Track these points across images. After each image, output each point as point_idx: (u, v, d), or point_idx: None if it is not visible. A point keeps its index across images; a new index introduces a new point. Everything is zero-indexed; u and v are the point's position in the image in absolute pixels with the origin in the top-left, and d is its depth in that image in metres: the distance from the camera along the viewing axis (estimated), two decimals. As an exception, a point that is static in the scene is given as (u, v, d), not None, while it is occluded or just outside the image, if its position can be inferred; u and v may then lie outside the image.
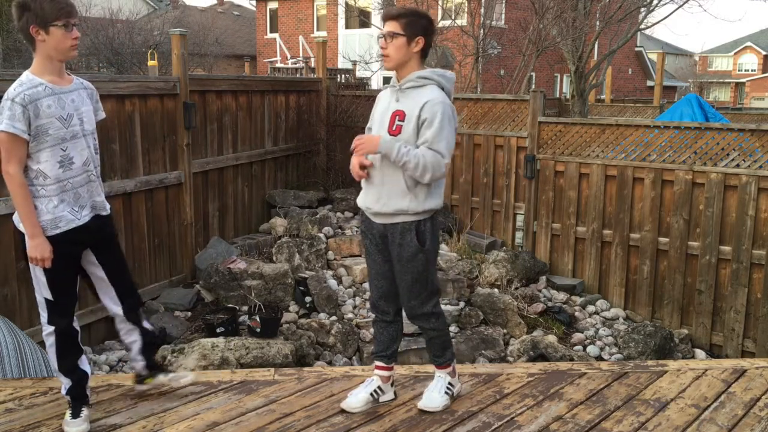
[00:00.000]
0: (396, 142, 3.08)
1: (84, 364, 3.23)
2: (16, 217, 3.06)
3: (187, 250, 7.00)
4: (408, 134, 3.09)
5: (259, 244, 7.60)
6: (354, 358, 5.91)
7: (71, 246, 3.03)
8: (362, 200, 3.29)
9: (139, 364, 3.43)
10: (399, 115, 3.13)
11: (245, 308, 6.22)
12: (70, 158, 2.98)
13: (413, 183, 3.11)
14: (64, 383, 3.19)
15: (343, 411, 3.39)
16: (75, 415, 3.15)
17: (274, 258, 7.08)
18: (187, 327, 5.96)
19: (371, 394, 3.44)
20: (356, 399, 3.42)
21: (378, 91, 13.65)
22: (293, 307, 6.45)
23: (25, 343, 4.30)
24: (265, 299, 6.20)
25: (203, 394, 3.54)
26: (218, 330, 5.65)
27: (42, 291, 3.06)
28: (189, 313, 6.27)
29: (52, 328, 3.10)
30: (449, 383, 3.48)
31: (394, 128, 3.13)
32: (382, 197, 3.16)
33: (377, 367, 3.47)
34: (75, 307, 3.20)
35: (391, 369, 3.48)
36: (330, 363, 5.69)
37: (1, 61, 17.24)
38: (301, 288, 6.65)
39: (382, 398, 3.47)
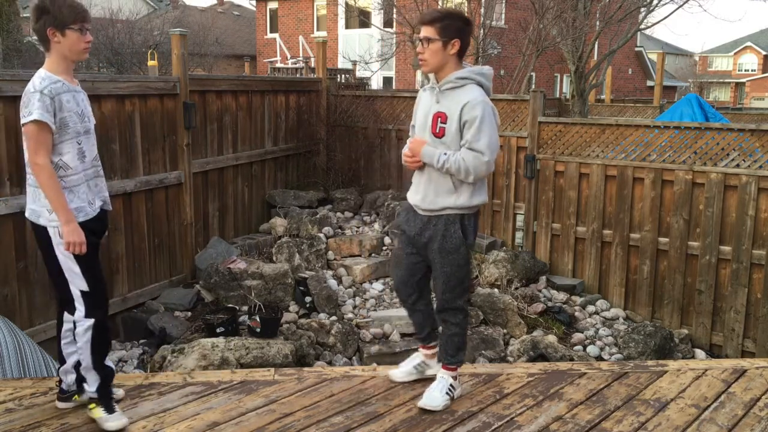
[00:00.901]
0: (436, 150, 3.21)
1: (109, 360, 3.23)
2: (32, 213, 3.05)
3: (187, 250, 7.00)
4: (451, 136, 3.20)
5: (259, 244, 7.60)
6: (354, 358, 5.90)
7: (91, 236, 3.07)
8: (411, 196, 3.42)
9: (71, 377, 3.26)
10: (441, 117, 3.22)
11: (245, 308, 6.22)
12: (83, 152, 3.09)
13: (459, 182, 3.24)
14: (92, 381, 3.15)
15: (342, 411, 3.39)
16: (110, 410, 3.14)
17: (274, 258, 7.08)
18: (187, 327, 5.96)
19: (415, 367, 3.68)
20: (400, 370, 3.71)
21: (379, 90, 13.67)
22: (293, 307, 6.45)
23: (25, 343, 4.30)
24: (265, 299, 6.20)
25: (203, 394, 3.54)
26: (218, 330, 5.65)
27: (77, 283, 3.06)
28: (189, 313, 6.27)
29: (91, 321, 3.08)
30: (451, 385, 3.50)
31: (437, 130, 3.23)
32: (429, 195, 3.30)
33: (420, 347, 3.70)
34: (107, 298, 3.23)
35: (430, 348, 3.65)
36: (330, 363, 5.69)
37: (1, 61, 17.22)
38: (301, 288, 6.65)
39: (429, 372, 3.66)
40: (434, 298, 3.54)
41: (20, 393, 3.53)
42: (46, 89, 2.92)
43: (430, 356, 3.66)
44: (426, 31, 3.17)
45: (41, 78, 2.98)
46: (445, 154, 3.18)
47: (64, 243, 2.96)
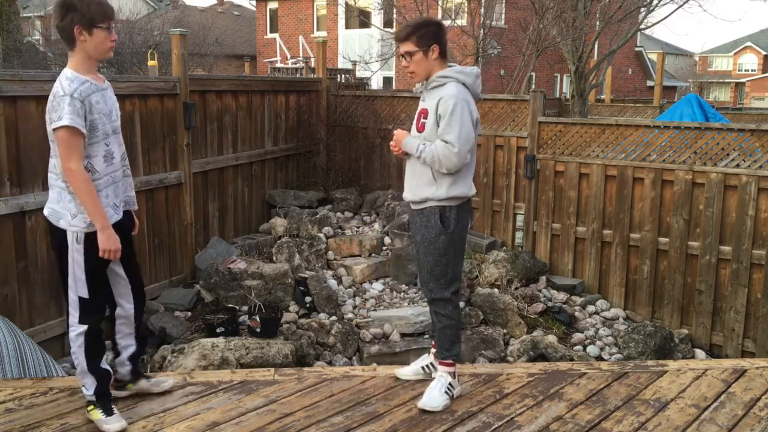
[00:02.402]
0: (416, 140, 3.39)
1: (104, 363, 3.24)
2: (52, 213, 3.02)
3: (187, 250, 7.00)
4: (429, 130, 3.37)
5: (259, 244, 7.60)
6: (354, 358, 5.90)
7: None
8: (404, 193, 3.59)
9: (125, 368, 3.40)
10: (423, 114, 3.42)
11: (245, 308, 6.22)
12: (112, 153, 3.06)
13: (438, 174, 3.37)
14: (89, 384, 3.16)
15: (342, 411, 3.39)
16: (108, 412, 3.15)
17: (274, 258, 7.08)
18: (187, 327, 5.96)
19: (423, 368, 3.73)
20: (408, 369, 3.77)
21: (379, 90, 13.67)
22: (293, 307, 6.45)
23: (25, 343, 4.29)
24: (265, 299, 6.20)
25: (203, 394, 3.54)
26: (218, 330, 5.65)
27: (78, 289, 3.05)
28: (189, 313, 6.27)
29: (84, 328, 3.08)
30: (450, 384, 3.51)
31: (419, 126, 3.43)
32: (413, 187, 3.47)
33: (432, 345, 3.71)
34: (105, 305, 3.23)
35: None
36: (330, 363, 5.69)
37: (1, 61, 17.22)
38: (301, 288, 6.65)
39: (435, 374, 3.64)
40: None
41: (20, 393, 3.53)
42: (75, 92, 2.86)
43: None
44: (405, 47, 3.36)
45: (69, 79, 2.90)
46: (423, 143, 3.35)
47: (100, 250, 2.94)
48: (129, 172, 3.28)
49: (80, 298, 3.06)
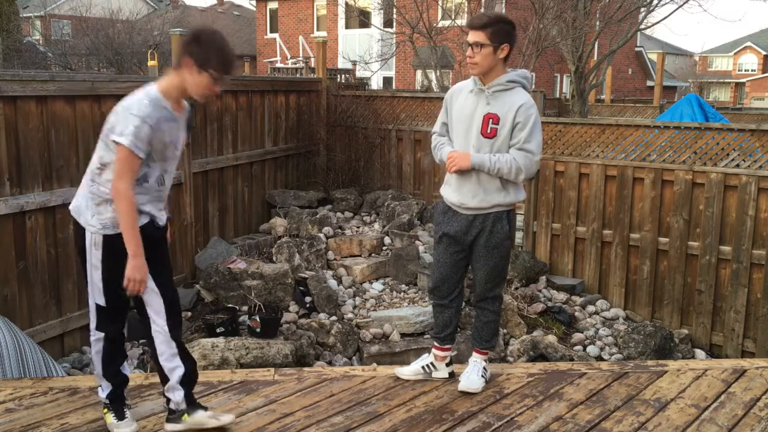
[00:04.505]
0: (483, 156, 3.36)
1: (126, 369, 3.19)
2: (76, 209, 2.96)
3: (187, 250, 7.00)
4: (503, 137, 3.37)
5: (259, 244, 7.60)
6: (354, 358, 5.90)
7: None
8: (455, 197, 3.52)
9: (178, 395, 3.05)
10: (493, 119, 3.37)
11: (245, 308, 6.22)
12: (163, 178, 3.01)
13: (505, 181, 3.43)
14: (104, 387, 3.14)
15: (342, 411, 3.39)
16: (120, 417, 3.11)
17: (274, 258, 7.08)
18: (187, 327, 5.96)
19: (423, 368, 3.77)
20: (408, 368, 3.80)
21: (379, 90, 13.66)
22: (293, 307, 6.45)
23: (25, 343, 4.30)
24: (265, 299, 6.20)
25: (203, 394, 3.54)
26: (218, 330, 5.65)
27: (95, 296, 2.98)
28: (189, 313, 6.26)
29: (101, 335, 3.04)
30: (484, 368, 3.71)
31: (488, 131, 3.38)
32: (479, 194, 3.45)
33: (433, 347, 3.79)
34: (126, 314, 3.12)
35: (446, 350, 3.76)
36: (330, 363, 5.69)
37: (1, 61, 17.22)
38: (301, 288, 6.65)
39: (435, 374, 3.77)
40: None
41: (20, 393, 3.53)
42: (148, 117, 2.79)
43: (441, 358, 3.77)
44: (476, 36, 3.29)
45: (150, 101, 2.84)
46: (495, 155, 3.36)
47: (125, 279, 2.85)
48: (170, 191, 3.18)
49: (97, 306, 2.99)
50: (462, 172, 3.43)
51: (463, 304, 6.61)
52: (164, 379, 3.07)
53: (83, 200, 2.95)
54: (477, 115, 3.39)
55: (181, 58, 2.85)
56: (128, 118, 2.79)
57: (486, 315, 3.67)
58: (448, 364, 3.79)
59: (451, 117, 3.53)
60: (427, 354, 3.83)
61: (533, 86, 19.77)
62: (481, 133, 3.38)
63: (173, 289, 3.15)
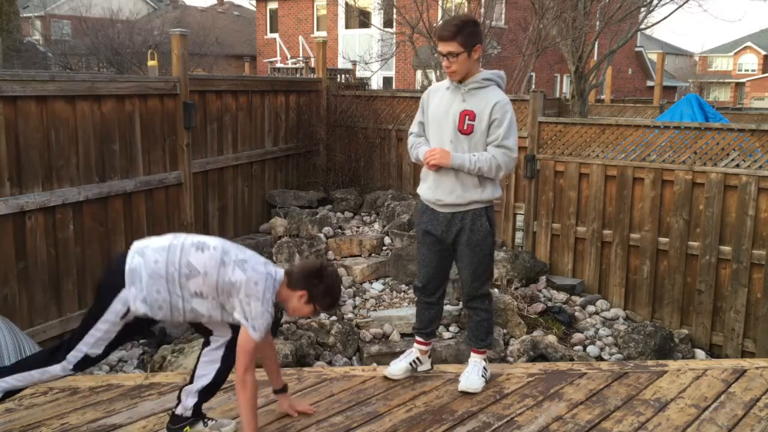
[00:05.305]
0: (463, 155, 3.39)
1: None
2: (135, 273, 2.80)
3: (187, 250, 6.98)
4: (480, 133, 3.42)
5: (259, 244, 7.60)
6: (354, 358, 5.90)
7: (136, 323, 2.89)
8: (431, 193, 3.55)
9: (191, 401, 3.07)
10: (469, 115, 3.42)
11: (245, 308, 6.21)
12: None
13: (483, 178, 3.46)
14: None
15: (342, 411, 3.39)
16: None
17: (274, 258, 7.08)
18: (187, 327, 5.96)
19: (410, 364, 3.80)
20: (397, 367, 3.80)
21: (379, 90, 13.66)
22: (293, 307, 6.44)
23: (25, 343, 4.30)
24: (265, 299, 6.19)
25: (203, 394, 3.53)
26: (218, 330, 5.64)
27: (94, 343, 2.85)
28: (189, 313, 6.26)
29: (59, 373, 2.90)
30: (484, 367, 3.72)
31: (465, 128, 3.42)
32: (456, 190, 3.46)
33: (416, 342, 3.84)
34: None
35: (428, 344, 3.85)
36: (330, 363, 5.69)
37: (1, 62, 17.22)
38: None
39: (420, 368, 3.84)
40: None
41: (20, 393, 3.52)
42: (270, 308, 2.85)
43: (424, 352, 3.84)
44: (449, 47, 3.33)
45: (269, 295, 2.83)
46: (474, 155, 3.39)
47: None
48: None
49: (86, 355, 2.86)
50: (440, 169, 3.45)
51: (461, 304, 6.63)
52: (189, 380, 3.11)
53: (147, 276, 2.78)
54: (453, 111, 3.44)
55: (298, 283, 2.92)
56: (265, 314, 2.82)
57: (478, 314, 3.69)
58: (429, 356, 3.89)
59: (428, 115, 3.57)
60: (411, 350, 3.87)
61: (533, 86, 19.78)
62: (458, 130, 3.42)
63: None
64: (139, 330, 3.03)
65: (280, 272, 2.94)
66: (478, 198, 3.47)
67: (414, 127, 3.67)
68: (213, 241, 2.92)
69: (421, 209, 3.64)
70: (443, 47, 3.35)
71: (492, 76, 3.45)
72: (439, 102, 3.50)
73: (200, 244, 2.88)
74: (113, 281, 2.80)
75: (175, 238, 2.90)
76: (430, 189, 3.54)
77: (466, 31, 3.33)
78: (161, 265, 2.79)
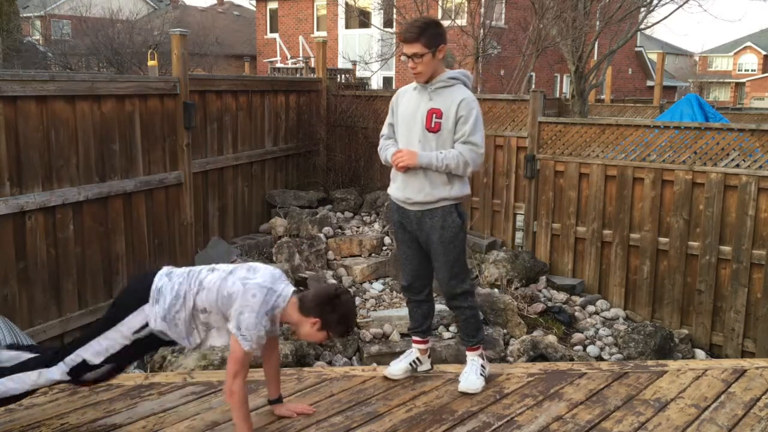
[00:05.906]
0: (430, 153, 3.42)
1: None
2: (161, 293, 2.91)
3: (187, 251, 7.00)
4: (447, 130, 3.44)
5: (259, 244, 7.60)
6: (354, 358, 5.90)
7: (144, 340, 2.97)
8: (401, 193, 3.56)
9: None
10: (436, 113, 3.45)
11: (245, 308, 6.21)
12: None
13: (451, 175, 3.47)
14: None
15: (342, 411, 3.39)
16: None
17: (274, 258, 7.08)
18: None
19: (410, 364, 3.79)
20: (397, 367, 3.79)
21: (379, 90, 13.67)
22: (293, 307, 6.44)
23: (25, 343, 4.29)
24: (265, 299, 6.19)
25: (203, 394, 3.54)
26: (218, 330, 5.64)
27: (95, 351, 2.92)
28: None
29: (56, 377, 2.96)
30: (482, 365, 3.71)
31: (432, 125, 3.45)
32: (425, 188, 3.47)
33: (414, 341, 3.84)
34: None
35: (426, 342, 3.84)
36: (330, 363, 5.69)
37: (1, 61, 17.23)
38: (302, 288, 6.65)
39: (420, 368, 3.82)
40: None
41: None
42: (269, 312, 2.86)
43: (424, 351, 3.83)
44: (413, 48, 3.38)
45: (266, 308, 2.85)
46: (441, 153, 3.41)
47: None
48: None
49: (84, 360, 2.92)
50: (409, 169, 3.47)
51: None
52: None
53: (171, 297, 2.89)
54: (420, 111, 3.48)
55: (311, 310, 2.91)
56: (248, 314, 2.81)
57: (463, 312, 3.68)
58: (428, 356, 3.88)
59: (397, 116, 3.61)
60: (410, 350, 3.86)
61: (533, 86, 19.78)
62: (425, 128, 3.45)
63: None
64: (141, 353, 3.09)
65: (288, 290, 2.94)
66: (447, 195, 3.48)
67: (384, 129, 3.71)
68: (230, 267, 3.01)
69: (395, 209, 3.67)
70: (408, 49, 3.40)
71: (458, 75, 3.49)
72: (408, 103, 3.55)
73: (213, 267, 3.00)
74: (139, 295, 2.92)
75: (202, 267, 3.04)
76: (399, 189, 3.57)
77: (429, 32, 3.37)
78: (182, 286, 2.92)
